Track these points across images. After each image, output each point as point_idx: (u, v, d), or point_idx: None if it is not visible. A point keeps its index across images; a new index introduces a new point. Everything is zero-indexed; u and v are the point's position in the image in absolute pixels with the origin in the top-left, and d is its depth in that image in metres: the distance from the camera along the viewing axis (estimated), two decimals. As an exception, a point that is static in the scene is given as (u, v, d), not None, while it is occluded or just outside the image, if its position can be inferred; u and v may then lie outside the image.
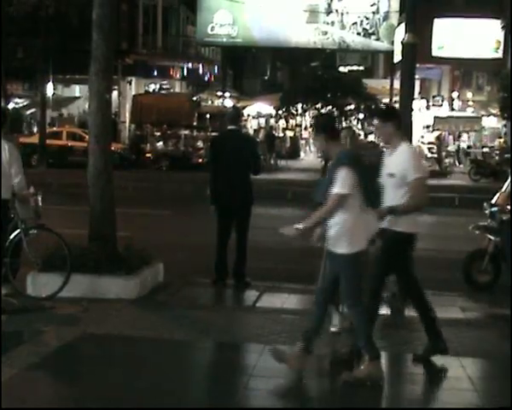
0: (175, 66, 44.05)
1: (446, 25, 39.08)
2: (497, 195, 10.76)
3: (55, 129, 34.84)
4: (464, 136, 40.41)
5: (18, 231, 8.76)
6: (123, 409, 5.71)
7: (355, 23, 39.96)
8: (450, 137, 40.18)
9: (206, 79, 49.52)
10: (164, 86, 43.60)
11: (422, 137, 36.96)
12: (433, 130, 37.86)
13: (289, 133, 46.86)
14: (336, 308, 8.00)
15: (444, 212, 19.26)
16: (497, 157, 33.61)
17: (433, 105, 41.65)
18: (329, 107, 35.99)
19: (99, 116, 9.41)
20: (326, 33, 40.18)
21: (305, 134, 50.75)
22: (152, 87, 43.23)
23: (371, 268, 6.82)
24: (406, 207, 6.64)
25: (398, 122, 6.94)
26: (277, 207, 19.64)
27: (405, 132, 9.47)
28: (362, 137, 37.16)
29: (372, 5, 39.65)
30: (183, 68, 44.99)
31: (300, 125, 52.23)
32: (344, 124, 35.33)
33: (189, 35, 46.89)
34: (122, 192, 15.96)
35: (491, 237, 10.35)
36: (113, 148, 11.82)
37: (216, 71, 52.24)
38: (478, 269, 10.46)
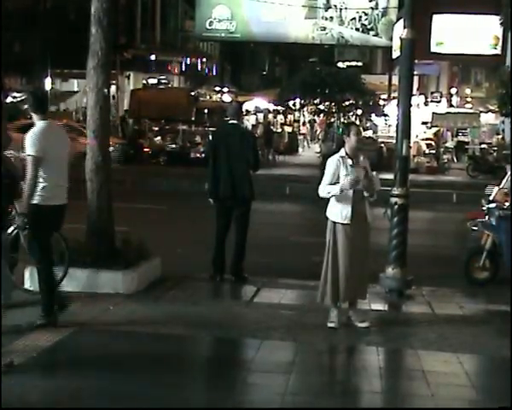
0: (173, 61, 44.03)
1: (445, 21, 39.05)
2: (495, 191, 10.77)
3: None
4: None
5: (15, 225, 8.75)
6: (121, 405, 5.71)
7: (353, 19, 39.96)
8: (449, 133, 40.19)
9: (204, 73, 49.49)
10: (162, 81, 43.58)
11: (424, 132, 36.99)
12: (432, 126, 37.85)
13: (287, 128, 46.84)
14: (334, 304, 8.02)
15: (441, 208, 19.29)
16: (494, 154, 33.62)
17: (432, 101, 41.65)
18: (327, 102, 35.98)
19: (97, 111, 9.40)
20: (324, 29, 40.17)
21: (303, 129, 50.78)
22: (150, 82, 43.19)
23: None
24: (26, 182, 7.50)
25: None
26: (275, 202, 19.63)
27: (404, 128, 9.54)
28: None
29: (371, 1, 39.66)
30: (181, 63, 44.96)
31: (298, 121, 52.25)
32: (342, 119, 35.33)
33: (188, 30, 46.87)
34: (120, 187, 15.96)
35: (489, 234, 10.36)
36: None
37: (214, 66, 52.20)
38: (476, 265, 10.48)
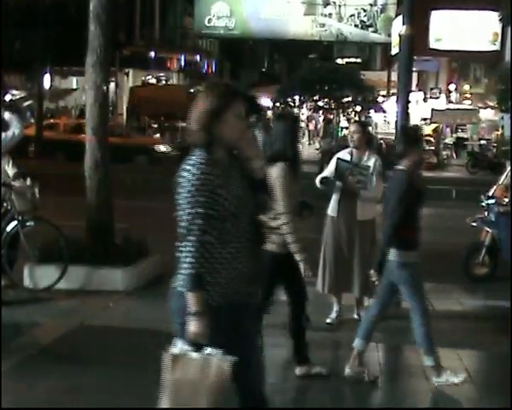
0: (172, 58, 43.99)
1: (444, 17, 39.04)
2: (494, 187, 10.77)
3: (52, 121, 34.76)
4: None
5: (15, 223, 8.76)
6: (121, 404, 5.71)
7: (352, 15, 39.93)
8: (448, 129, 40.20)
9: (203, 70, 49.43)
10: (161, 78, 43.55)
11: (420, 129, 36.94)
12: (431, 122, 37.87)
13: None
14: (338, 301, 8.04)
15: (441, 204, 19.26)
16: (494, 150, 33.63)
17: (431, 97, 41.67)
18: (326, 99, 35.98)
19: (96, 108, 9.40)
20: (323, 25, 40.16)
21: (310, 126, 50.69)
22: (149, 79, 43.17)
23: None
24: None
25: None
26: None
27: (403, 124, 9.53)
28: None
29: (370, -3, 39.67)
30: (180, 60, 44.93)
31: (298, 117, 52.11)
32: (342, 116, 35.31)
33: (187, 27, 46.83)
34: (120, 184, 15.93)
35: (488, 230, 10.36)
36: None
37: (213, 63, 52.15)
38: (475, 261, 10.48)
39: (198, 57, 48.24)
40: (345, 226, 7.91)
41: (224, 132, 3.80)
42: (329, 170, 8.03)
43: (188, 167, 3.76)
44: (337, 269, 7.91)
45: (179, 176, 3.79)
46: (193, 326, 3.76)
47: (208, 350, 3.73)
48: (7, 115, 8.56)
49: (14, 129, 8.59)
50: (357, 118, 36.43)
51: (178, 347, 3.83)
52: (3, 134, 8.52)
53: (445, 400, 6.12)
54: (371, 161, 7.94)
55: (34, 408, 5.59)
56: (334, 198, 7.96)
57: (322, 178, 7.93)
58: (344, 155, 7.99)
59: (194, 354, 3.75)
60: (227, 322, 3.84)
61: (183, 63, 45.23)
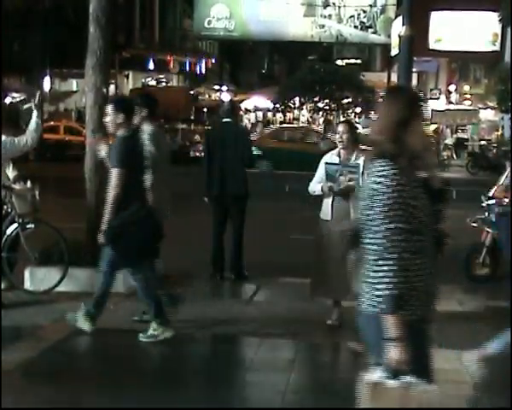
0: (172, 59, 44.02)
1: (443, 18, 39.07)
2: (495, 188, 10.77)
3: (52, 123, 34.79)
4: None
5: (15, 225, 8.75)
6: (121, 406, 5.71)
7: (352, 16, 39.98)
8: (448, 130, 40.21)
9: (203, 72, 49.46)
10: (161, 80, 43.58)
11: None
12: (431, 123, 37.88)
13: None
14: (336, 303, 8.01)
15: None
16: (494, 150, 33.64)
17: (431, 98, 41.69)
18: (326, 100, 36.02)
19: (96, 110, 9.40)
20: (323, 26, 40.20)
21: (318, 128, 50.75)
22: (149, 81, 43.20)
23: None
24: None
25: None
26: (275, 200, 19.61)
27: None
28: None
29: (369, -2, 39.70)
30: (180, 62, 44.96)
31: (298, 119, 52.23)
32: (342, 117, 35.29)
33: (187, 28, 46.88)
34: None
35: (489, 230, 10.36)
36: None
37: (213, 62, 52.18)
38: (476, 262, 10.48)
39: (198, 59, 48.27)
40: (341, 228, 7.86)
41: (411, 141, 3.57)
42: (319, 175, 7.98)
43: (380, 179, 3.50)
44: (331, 274, 7.81)
45: (370, 189, 3.54)
46: (393, 352, 3.48)
47: (408, 378, 3.48)
48: (34, 117, 8.49)
49: (28, 138, 8.54)
50: (357, 119, 36.49)
51: (376, 374, 3.54)
52: (16, 139, 8.46)
53: (445, 400, 6.11)
54: (360, 160, 7.94)
55: (34, 409, 5.59)
56: (326, 202, 7.88)
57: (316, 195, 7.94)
58: (331, 157, 7.93)
59: (393, 383, 3.48)
60: (419, 340, 3.65)
61: (187, 66, 45.24)
